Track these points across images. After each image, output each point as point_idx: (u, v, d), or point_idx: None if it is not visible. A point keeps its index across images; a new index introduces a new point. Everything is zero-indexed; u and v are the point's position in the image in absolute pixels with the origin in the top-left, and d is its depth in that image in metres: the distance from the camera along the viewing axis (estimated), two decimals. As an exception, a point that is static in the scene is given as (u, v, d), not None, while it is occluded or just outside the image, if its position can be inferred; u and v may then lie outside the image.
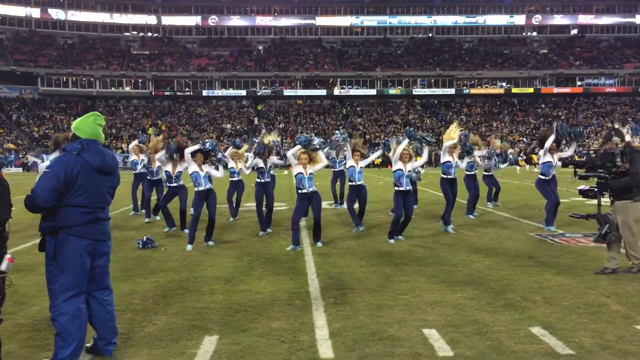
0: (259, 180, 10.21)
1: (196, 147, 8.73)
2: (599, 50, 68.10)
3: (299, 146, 8.51)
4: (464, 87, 64.81)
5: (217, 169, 8.94)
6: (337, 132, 11.00)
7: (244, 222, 11.37)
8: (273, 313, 5.01)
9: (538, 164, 10.28)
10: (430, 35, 72.15)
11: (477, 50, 69.72)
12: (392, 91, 64.52)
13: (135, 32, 70.75)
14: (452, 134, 10.35)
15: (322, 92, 64.66)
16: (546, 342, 4.20)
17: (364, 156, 10.25)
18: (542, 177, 9.90)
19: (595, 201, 6.59)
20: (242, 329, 4.59)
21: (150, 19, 70.72)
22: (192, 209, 9.10)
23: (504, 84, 64.70)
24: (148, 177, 11.78)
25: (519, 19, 71.77)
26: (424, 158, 9.13)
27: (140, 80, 63.84)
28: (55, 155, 9.42)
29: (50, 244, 3.81)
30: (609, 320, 4.71)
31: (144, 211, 12.21)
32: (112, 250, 4.19)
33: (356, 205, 10.35)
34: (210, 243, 8.74)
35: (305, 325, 4.67)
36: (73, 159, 3.79)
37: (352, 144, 10.11)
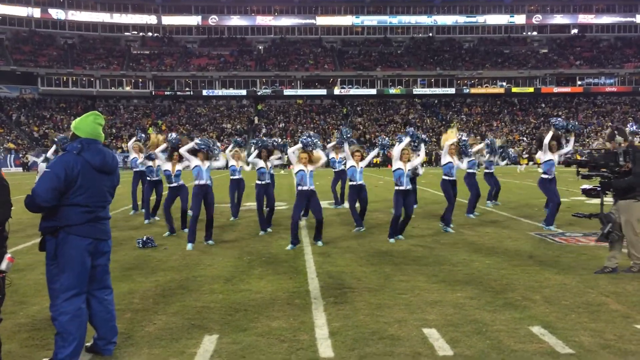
0: (259, 182, 10.20)
1: (190, 145, 8.78)
2: (599, 50, 68.10)
3: (300, 145, 8.56)
4: (464, 87, 64.82)
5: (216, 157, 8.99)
6: (342, 128, 11.08)
7: (244, 222, 11.37)
8: (273, 312, 5.01)
9: (540, 164, 10.27)
10: (430, 35, 72.16)
11: (477, 49, 69.72)
12: (393, 91, 64.52)
13: (136, 32, 70.78)
14: (450, 135, 10.40)
15: (322, 91, 64.67)
16: (546, 342, 4.20)
17: (363, 156, 10.29)
18: (546, 176, 9.88)
19: (595, 200, 6.58)
20: (242, 328, 4.59)
21: (150, 19, 70.75)
22: (189, 211, 9.10)
23: (504, 83, 64.71)
24: (148, 178, 11.78)
25: (519, 19, 71.78)
26: (421, 155, 9.19)
27: (140, 80, 63.86)
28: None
29: (50, 244, 3.81)
30: (608, 319, 4.71)
31: (143, 210, 12.20)
32: (112, 249, 4.19)
33: (357, 205, 10.35)
34: (210, 242, 8.75)
35: (305, 324, 4.67)
36: (73, 158, 3.80)
37: (351, 149, 10.20)
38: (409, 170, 8.86)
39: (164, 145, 10.12)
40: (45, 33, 67.16)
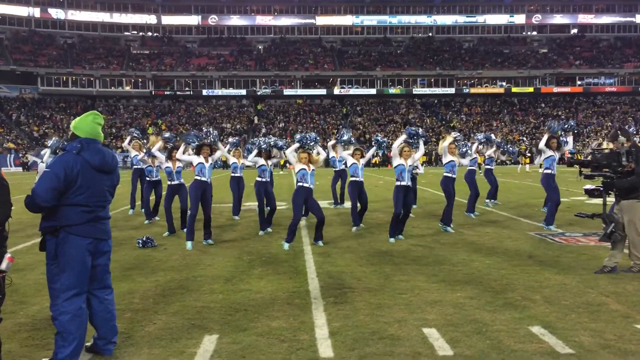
0: (259, 179, 10.22)
1: (182, 148, 8.83)
2: (598, 50, 68.11)
3: (297, 144, 8.59)
4: (464, 87, 64.83)
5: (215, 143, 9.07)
6: (343, 131, 11.16)
7: (244, 222, 11.37)
8: (273, 312, 5.01)
9: (541, 164, 10.27)
10: (430, 34, 72.18)
11: (477, 49, 69.73)
12: (392, 91, 64.52)
13: (135, 32, 70.77)
14: (446, 139, 10.49)
15: (322, 91, 64.66)
16: (546, 342, 4.20)
17: (363, 155, 10.38)
18: (548, 172, 9.86)
19: (595, 200, 6.58)
20: (242, 328, 4.59)
21: (150, 19, 70.74)
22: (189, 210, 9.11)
23: (504, 83, 64.72)
24: (147, 178, 11.78)
25: (519, 19, 71.79)
26: (421, 151, 9.25)
27: (140, 80, 63.85)
28: None
29: (51, 244, 3.81)
30: (608, 319, 4.71)
31: (142, 210, 12.19)
32: (112, 249, 4.19)
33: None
34: (210, 242, 8.74)
35: (305, 324, 4.67)
36: (73, 158, 3.79)
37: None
38: (410, 166, 8.91)
39: (158, 144, 10.34)
40: (45, 33, 67.15)
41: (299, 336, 4.38)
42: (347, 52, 69.19)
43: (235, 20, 71.79)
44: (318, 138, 9.05)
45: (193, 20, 71.39)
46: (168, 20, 71.09)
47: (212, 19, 71.22)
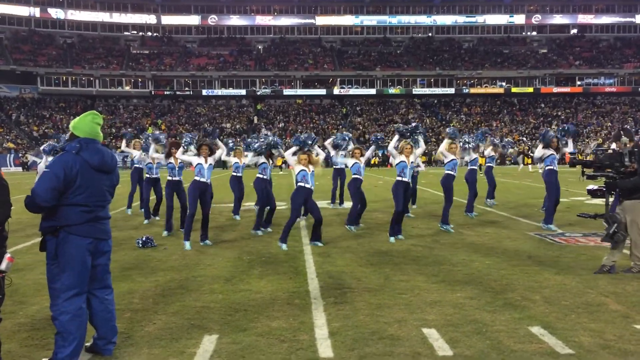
0: (260, 175, 10.18)
1: (180, 150, 8.83)
2: (598, 50, 68.14)
3: (294, 148, 8.60)
4: (464, 87, 64.86)
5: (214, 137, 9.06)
6: (343, 133, 11.22)
7: (244, 222, 11.36)
8: (273, 312, 5.01)
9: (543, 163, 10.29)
10: (430, 34, 72.20)
11: (476, 49, 69.75)
12: (392, 91, 64.55)
13: (135, 32, 70.78)
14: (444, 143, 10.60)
15: (322, 91, 64.69)
16: (546, 342, 4.20)
17: (363, 153, 10.43)
18: (551, 167, 9.88)
19: (595, 200, 6.58)
20: (242, 328, 4.59)
21: (149, 19, 70.75)
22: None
23: (503, 83, 64.75)
24: (147, 175, 11.76)
25: (519, 19, 71.82)
26: (421, 147, 9.33)
27: (139, 80, 63.85)
28: None
29: (51, 244, 3.81)
30: (608, 319, 4.71)
31: (142, 210, 12.17)
32: (112, 249, 4.18)
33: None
34: (208, 242, 8.72)
35: (305, 324, 4.67)
36: (72, 158, 3.79)
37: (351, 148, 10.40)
38: (411, 162, 8.96)
39: (152, 147, 10.67)
40: (45, 32, 67.15)
41: (298, 336, 4.38)
42: (347, 52, 69.21)
43: (235, 20, 71.80)
44: (317, 138, 9.05)
45: (193, 20, 71.40)
46: (168, 20, 71.10)
47: (212, 19, 71.22)
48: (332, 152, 12.61)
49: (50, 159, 11.13)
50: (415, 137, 9.30)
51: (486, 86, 65.16)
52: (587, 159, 6.92)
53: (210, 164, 8.73)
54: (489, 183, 13.80)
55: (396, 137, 9.26)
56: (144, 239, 8.66)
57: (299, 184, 8.31)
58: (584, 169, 6.62)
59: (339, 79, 65.49)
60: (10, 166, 46.48)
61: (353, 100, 64.72)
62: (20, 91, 61.02)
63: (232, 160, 11.33)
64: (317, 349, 4.12)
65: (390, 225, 9.02)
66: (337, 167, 12.94)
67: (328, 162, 12.94)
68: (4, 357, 3.93)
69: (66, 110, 59.46)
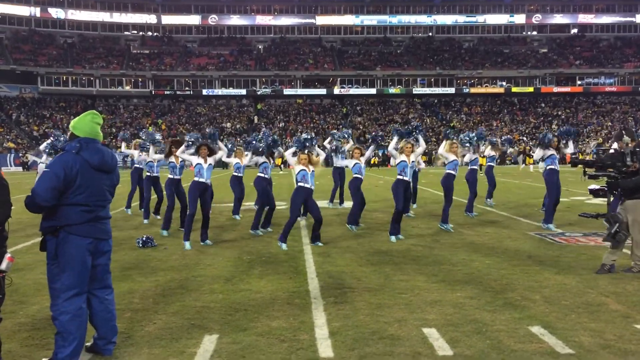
0: (261, 174, 10.16)
1: (182, 147, 8.80)
2: (599, 50, 68.12)
3: (293, 149, 8.60)
4: (464, 87, 64.85)
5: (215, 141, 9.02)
6: (344, 130, 11.24)
7: (244, 221, 11.35)
8: (273, 312, 5.01)
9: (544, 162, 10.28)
10: (430, 34, 72.20)
11: (477, 49, 69.75)
12: (392, 90, 64.54)
13: (135, 31, 70.79)
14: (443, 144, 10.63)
15: (322, 91, 64.69)
16: (546, 342, 4.20)
17: (363, 153, 10.43)
18: (552, 167, 9.88)
19: (595, 200, 6.58)
20: (242, 328, 4.59)
21: (150, 18, 70.76)
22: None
23: (504, 83, 64.75)
24: (148, 173, 11.76)
25: (519, 18, 71.81)
26: (422, 146, 9.36)
27: (140, 80, 63.87)
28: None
29: (51, 243, 3.81)
30: (608, 319, 4.71)
31: (142, 210, 12.16)
32: (112, 249, 4.18)
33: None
34: (208, 242, 8.72)
35: (305, 324, 4.67)
36: (72, 157, 3.79)
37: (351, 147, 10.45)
38: (412, 162, 8.98)
39: (151, 149, 10.75)
40: (45, 32, 67.16)
41: (298, 336, 4.38)
42: (347, 52, 69.21)
43: (235, 20, 71.80)
44: (315, 139, 9.04)
45: (193, 19, 71.40)
46: (168, 19, 71.10)
47: (212, 19, 71.22)
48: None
49: (49, 158, 11.14)
50: (415, 136, 9.32)
51: (486, 86, 65.16)
52: (588, 159, 6.89)
53: (209, 164, 8.70)
54: (489, 183, 13.80)
55: (395, 138, 9.26)
56: (144, 238, 8.66)
57: (299, 183, 8.30)
58: (586, 169, 6.62)
59: (339, 79, 65.50)
60: (11, 166, 46.50)
61: (353, 100, 64.72)
62: (21, 91, 61.05)
63: (233, 160, 11.33)
64: (317, 348, 4.12)
65: (390, 224, 9.03)
66: (337, 166, 12.94)
67: (328, 161, 12.95)
68: (4, 357, 3.93)
69: (66, 110, 59.48)
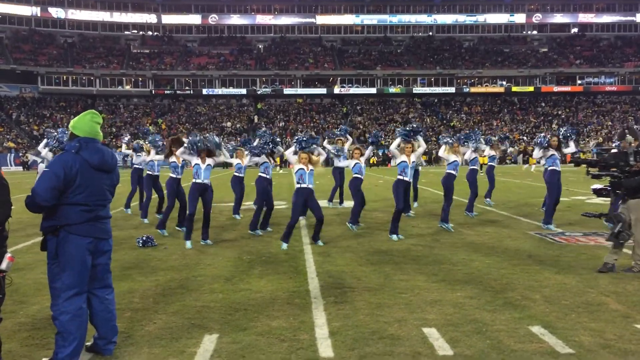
0: (262, 174, 10.16)
1: (181, 150, 8.78)
2: (599, 49, 68.09)
3: (293, 148, 8.60)
4: (464, 86, 64.83)
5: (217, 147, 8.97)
6: (341, 127, 11.24)
7: (244, 221, 11.35)
8: (273, 312, 5.01)
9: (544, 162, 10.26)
10: (430, 34, 72.17)
11: (477, 48, 69.72)
12: (392, 90, 64.53)
13: (136, 31, 70.77)
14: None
15: (322, 90, 64.68)
16: (546, 341, 4.20)
17: (362, 153, 10.43)
18: (553, 168, 9.87)
19: (596, 200, 6.58)
20: (242, 327, 4.59)
21: (150, 18, 70.74)
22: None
23: (504, 82, 64.73)
24: (148, 172, 11.75)
25: (519, 18, 71.78)
26: (422, 146, 9.36)
27: (140, 79, 63.86)
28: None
29: (51, 243, 3.81)
30: (608, 319, 4.71)
31: (141, 210, 12.14)
32: (112, 248, 4.18)
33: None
34: (209, 242, 8.72)
35: (305, 324, 4.67)
36: (72, 157, 3.80)
37: (351, 147, 10.46)
38: (413, 162, 8.97)
39: (152, 152, 10.78)
40: (45, 32, 67.15)
41: (299, 336, 4.38)
42: (347, 52, 69.19)
43: (236, 20, 71.79)
44: (317, 138, 9.04)
45: (193, 19, 71.39)
46: (168, 19, 71.08)
47: (213, 18, 71.20)
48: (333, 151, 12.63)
49: (50, 155, 11.15)
50: (416, 137, 9.31)
51: (487, 85, 65.15)
52: (591, 159, 6.87)
53: (208, 165, 8.68)
54: (489, 183, 13.79)
55: (399, 139, 9.24)
56: (144, 238, 8.66)
57: (297, 185, 8.33)
58: (589, 168, 6.62)
59: (339, 78, 65.50)
60: (11, 165, 46.50)
61: (353, 99, 64.70)
62: (21, 90, 61.05)
63: (234, 161, 11.33)
64: (317, 348, 4.12)
65: (391, 223, 9.04)
66: (337, 165, 12.92)
67: (328, 161, 12.96)
68: (4, 357, 3.93)
69: (66, 110, 59.48)
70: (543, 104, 63.40)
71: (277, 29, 71.82)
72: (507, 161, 46.91)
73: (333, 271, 6.66)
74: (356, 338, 4.32)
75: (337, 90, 64.49)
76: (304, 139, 8.53)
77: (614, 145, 9.21)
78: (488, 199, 13.89)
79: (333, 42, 71.40)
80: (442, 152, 10.53)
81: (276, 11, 72.18)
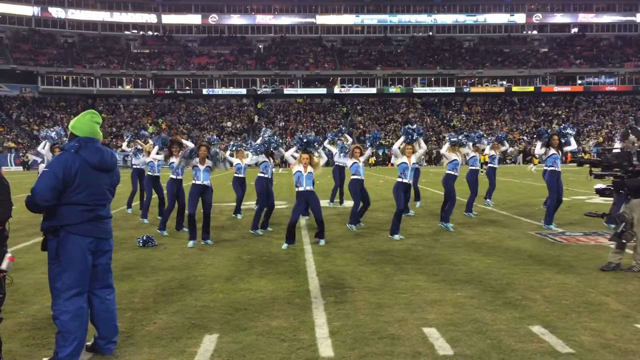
0: (261, 174, 10.17)
1: (181, 154, 8.79)
2: (599, 49, 68.07)
3: (294, 149, 8.59)
4: (464, 86, 64.81)
5: (215, 163, 8.90)
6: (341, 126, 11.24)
7: (244, 221, 11.36)
8: (273, 312, 5.01)
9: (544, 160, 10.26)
10: (430, 33, 72.14)
11: (477, 48, 69.71)
12: (393, 90, 64.51)
13: (136, 31, 70.76)
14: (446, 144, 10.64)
15: (323, 90, 64.68)
16: (546, 341, 4.20)
17: (362, 153, 10.42)
18: (553, 168, 9.87)
19: (596, 199, 6.58)
20: (242, 327, 4.59)
21: (150, 18, 70.72)
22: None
23: (504, 82, 64.70)
24: (149, 173, 11.75)
25: (520, 18, 71.76)
26: (423, 147, 9.36)
27: (140, 79, 63.85)
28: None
29: (52, 243, 3.81)
30: (609, 319, 4.71)
31: (142, 211, 12.13)
32: (112, 248, 4.18)
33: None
34: (209, 242, 8.72)
35: (305, 323, 4.67)
36: (71, 157, 3.80)
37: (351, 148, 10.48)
38: (413, 163, 8.95)
39: (155, 148, 10.63)
40: (45, 32, 67.14)
41: (299, 335, 4.38)
42: (348, 51, 69.18)
43: (236, 20, 71.77)
44: (320, 140, 9.00)
45: (193, 19, 71.37)
46: (168, 19, 71.06)
47: (213, 18, 71.19)
48: (334, 151, 12.64)
49: (50, 155, 11.15)
50: (416, 138, 9.29)
51: (487, 85, 65.13)
52: (594, 159, 6.87)
53: (207, 166, 8.69)
54: (490, 183, 13.78)
55: (401, 139, 9.21)
56: (144, 238, 8.67)
57: (296, 188, 8.36)
58: (592, 168, 6.62)
59: (339, 78, 65.50)
60: (11, 165, 46.53)
61: (353, 99, 64.70)
62: (21, 90, 61.05)
63: (235, 160, 11.32)
64: (317, 348, 4.12)
65: (392, 223, 9.05)
66: (338, 164, 12.94)
67: (328, 162, 12.96)
68: (5, 357, 3.93)
69: (67, 110, 59.48)
70: (543, 104, 63.39)
71: (277, 29, 71.81)
72: (507, 161, 46.90)
73: (333, 271, 6.66)
74: (356, 338, 4.32)
75: (337, 90, 64.49)
76: (305, 139, 8.52)
77: (615, 145, 9.17)
78: (488, 199, 13.87)
79: (333, 42, 71.40)
80: (445, 149, 10.56)
81: (276, 11, 72.16)
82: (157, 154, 11.14)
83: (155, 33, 71.16)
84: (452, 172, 10.25)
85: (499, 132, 50.07)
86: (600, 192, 6.53)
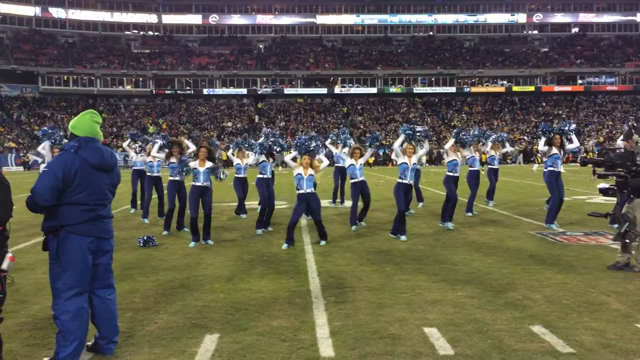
0: (261, 175, 10.19)
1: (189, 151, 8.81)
2: (599, 49, 68.02)
3: (294, 153, 8.59)
4: (465, 86, 64.75)
5: (218, 175, 8.85)
6: (343, 127, 11.23)
7: (245, 221, 11.37)
8: (274, 311, 5.01)
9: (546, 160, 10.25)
10: (431, 33, 72.09)
11: (477, 48, 69.67)
12: (393, 90, 64.47)
13: (136, 31, 70.75)
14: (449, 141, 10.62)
15: (323, 90, 64.64)
16: (547, 341, 4.20)
17: (362, 154, 10.40)
18: (552, 169, 9.87)
19: (596, 199, 6.57)
20: (243, 327, 4.60)
21: (151, 18, 70.71)
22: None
23: (504, 82, 64.65)
24: (148, 173, 11.75)
25: (520, 17, 71.71)
26: (425, 148, 9.33)
27: (141, 79, 63.83)
28: None
29: (52, 243, 3.81)
30: (609, 318, 4.71)
31: (142, 210, 12.13)
32: (113, 248, 4.18)
33: (359, 203, 10.35)
34: (210, 242, 8.73)
35: (306, 323, 4.67)
36: (71, 157, 3.80)
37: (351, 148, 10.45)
38: (414, 164, 8.93)
39: (156, 147, 10.42)
40: (46, 32, 67.14)
41: (299, 335, 4.39)
42: (348, 51, 69.16)
43: (236, 20, 71.76)
44: (320, 144, 8.94)
45: (194, 19, 71.35)
46: (169, 19, 71.05)
47: (213, 18, 71.18)
48: (334, 150, 12.63)
49: (50, 154, 11.14)
50: (420, 139, 9.22)
51: (487, 85, 65.07)
52: (597, 158, 6.86)
53: (207, 168, 8.71)
54: (490, 183, 13.76)
55: (402, 137, 9.15)
56: (145, 238, 8.68)
57: (296, 190, 8.35)
58: (595, 168, 6.62)
59: (340, 78, 65.46)
60: (12, 165, 46.53)
61: (354, 99, 64.68)
62: (22, 90, 61.05)
63: (235, 160, 11.35)
64: (318, 348, 4.12)
65: (394, 224, 9.04)
66: (338, 165, 12.94)
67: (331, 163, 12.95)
68: (5, 357, 3.93)
69: (67, 110, 59.47)
70: (544, 104, 63.35)
71: (277, 29, 71.79)
72: (508, 161, 46.88)
73: (334, 271, 6.66)
74: (357, 338, 4.32)
75: (337, 90, 64.45)
76: (304, 143, 8.48)
77: (617, 143, 9.14)
78: (487, 200, 13.85)
79: (334, 42, 71.36)
80: (448, 146, 10.54)
81: (277, 11, 72.14)
82: (157, 152, 11.13)
83: (156, 33, 71.16)
84: (452, 174, 10.24)
85: (499, 132, 50.14)
86: (604, 192, 6.53)
